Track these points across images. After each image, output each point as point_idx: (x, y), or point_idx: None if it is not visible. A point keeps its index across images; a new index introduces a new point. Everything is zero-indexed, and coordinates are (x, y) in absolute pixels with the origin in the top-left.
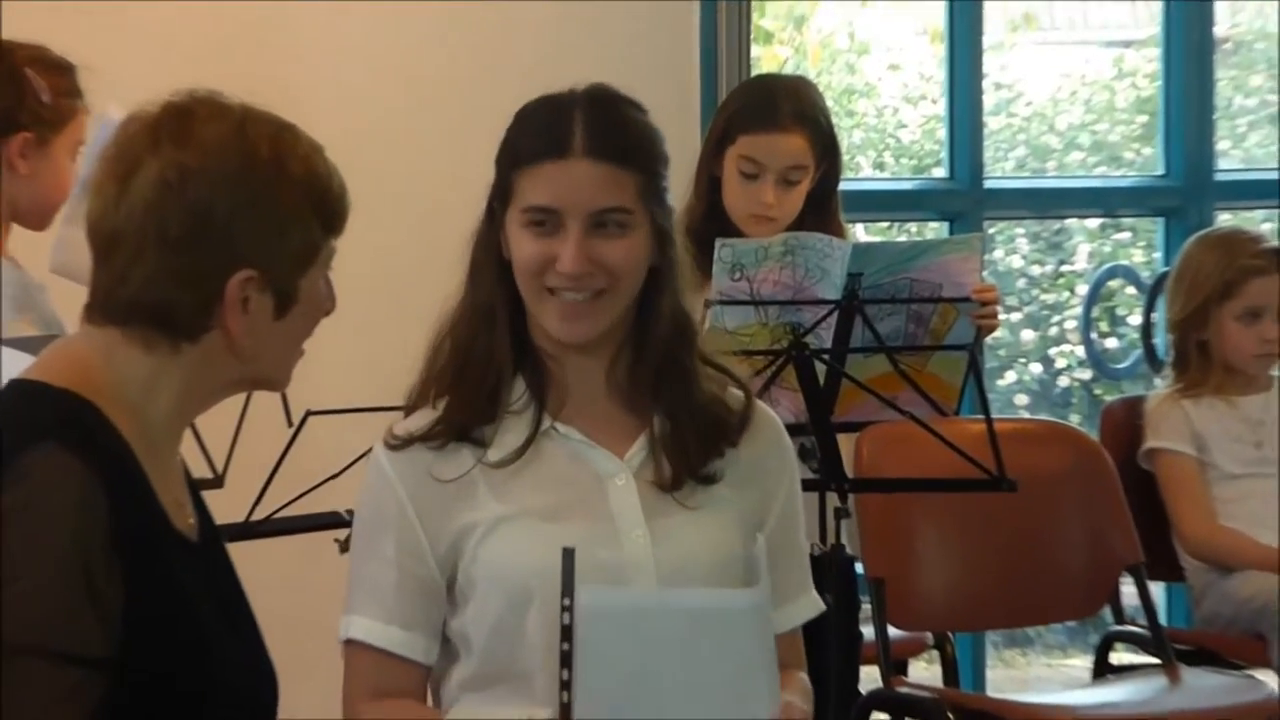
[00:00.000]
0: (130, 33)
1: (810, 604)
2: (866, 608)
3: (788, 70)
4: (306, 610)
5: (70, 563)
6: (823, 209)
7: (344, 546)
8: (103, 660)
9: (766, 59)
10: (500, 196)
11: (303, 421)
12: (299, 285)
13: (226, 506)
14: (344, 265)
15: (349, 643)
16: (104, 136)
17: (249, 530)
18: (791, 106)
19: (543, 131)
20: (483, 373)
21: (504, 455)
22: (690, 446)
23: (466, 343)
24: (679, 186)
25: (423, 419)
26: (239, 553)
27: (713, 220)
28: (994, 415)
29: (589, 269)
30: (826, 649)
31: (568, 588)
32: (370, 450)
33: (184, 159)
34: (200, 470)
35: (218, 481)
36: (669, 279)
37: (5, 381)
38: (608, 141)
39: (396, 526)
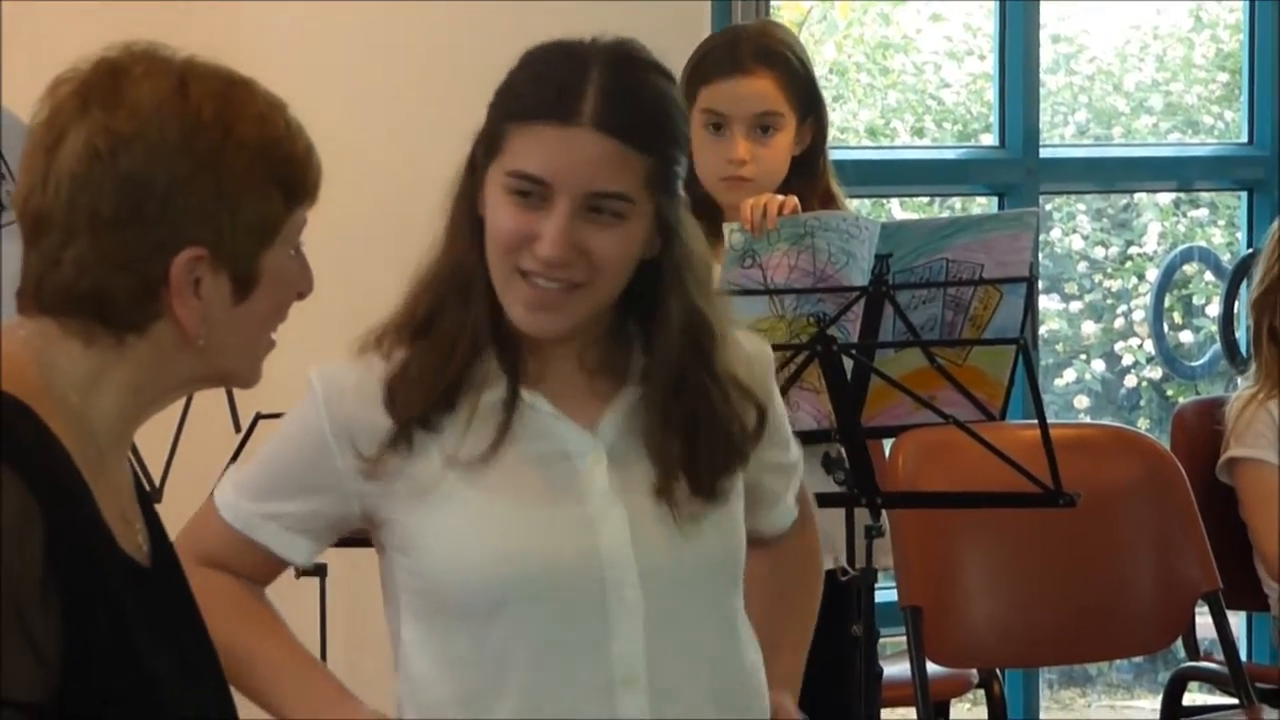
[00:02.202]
0: (133, 34)
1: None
2: (893, 640)
3: (812, 21)
4: None
5: (1, 593)
6: (809, 173)
7: (299, 570)
8: (37, 705)
9: (789, 9)
10: (487, 146)
11: (253, 425)
12: (260, 263)
13: (165, 524)
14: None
15: (216, 506)
16: None
17: None
18: (753, 45)
19: (549, 85)
20: (450, 352)
21: (478, 452)
22: (703, 468)
23: (436, 310)
24: None
25: (357, 375)
26: None
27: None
28: (1050, 419)
29: (570, 257)
30: (853, 685)
31: None
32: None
33: (114, 124)
34: None
35: (155, 495)
36: (676, 277)
37: None
38: (621, 114)
39: (313, 444)
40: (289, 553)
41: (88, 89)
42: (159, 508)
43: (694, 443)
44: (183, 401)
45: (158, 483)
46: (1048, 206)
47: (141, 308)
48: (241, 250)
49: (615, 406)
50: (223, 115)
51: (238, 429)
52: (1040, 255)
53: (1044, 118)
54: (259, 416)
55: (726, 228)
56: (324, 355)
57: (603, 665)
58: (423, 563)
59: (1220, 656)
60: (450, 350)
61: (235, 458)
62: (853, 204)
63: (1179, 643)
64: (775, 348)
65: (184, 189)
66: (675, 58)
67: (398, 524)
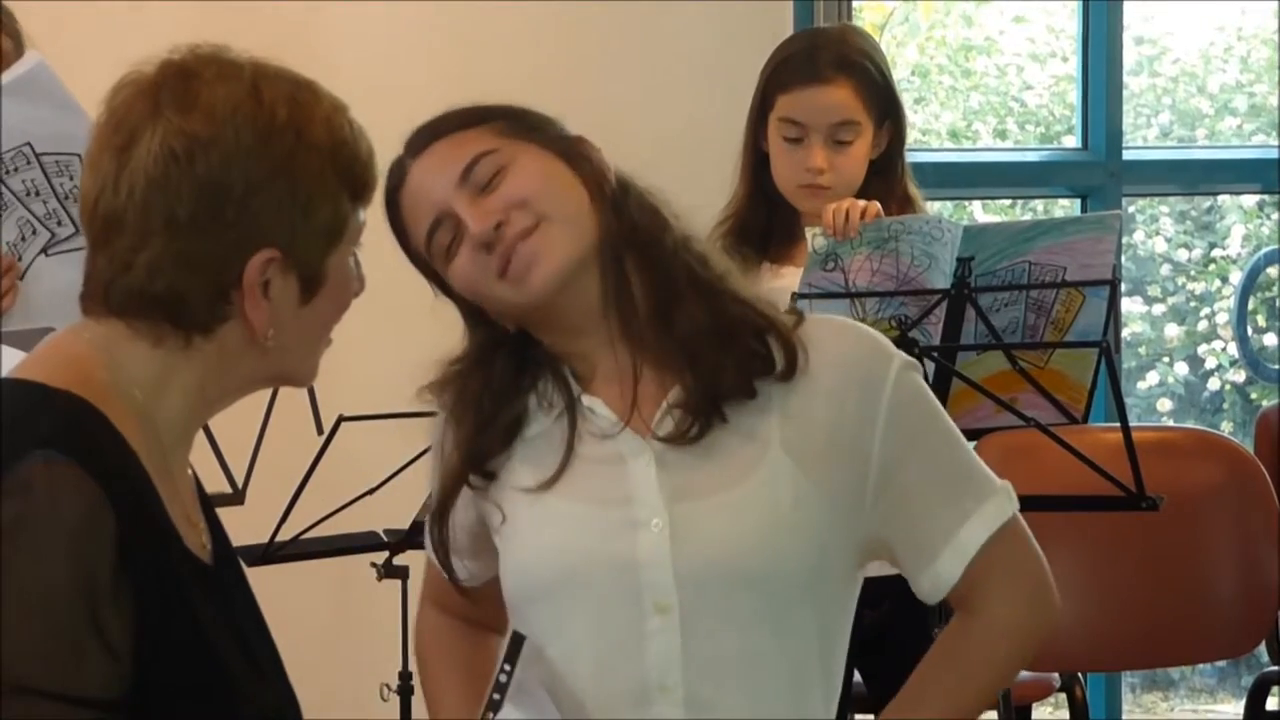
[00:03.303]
0: (141, 34)
1: (981, 524)
2: None
3: (894, 23)
4: (339, 644)
5: (73, 590)
6: (887, 177)
7: (381, 572)
8: (110, 701)
9: (871, 11)
10: (422, 266)
11: (335, 428)
12: (326, 265)
13: (248, 526)
14: (381, 256)
15: None
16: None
17: (273, 553)
18: (832, 54)
19: (396, 168)
20: (487, 424)
21: (545, 477)
22: (704, 382)
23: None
24: None
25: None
26: (261, 578)
27: (758, 201)
28: (1133, 422)
29: (498, 218)
30: None
31: (510, 659)
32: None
33: (190, 128)
34: (218, 485)
35: (238, 497)
36: (601, 195)
37: None
38: (430, 130)
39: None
40: (459, 574)
41: (157, 91)
42: (242, 510)
43: (694, 349)
44: (266, 404)
45: (241, 485)
46: (1130, 209)
47: (213, 309)
48: (311, 252)
49: (663, 407)
50: (295, 118)
51: (320, 431)
52: (1123, 258)
53: (1127, 120)
54: (341, 419)
55: (809, 231)
56: (401, 357)
57: (637, 670)
58: (501, 561)
59: None
60: (493, 409)
61: (317, 460)
62: (934, 206)
63: (1262, 646)
64: None
65: (260, 192)
66: (757, 59)
67: (493, 528)
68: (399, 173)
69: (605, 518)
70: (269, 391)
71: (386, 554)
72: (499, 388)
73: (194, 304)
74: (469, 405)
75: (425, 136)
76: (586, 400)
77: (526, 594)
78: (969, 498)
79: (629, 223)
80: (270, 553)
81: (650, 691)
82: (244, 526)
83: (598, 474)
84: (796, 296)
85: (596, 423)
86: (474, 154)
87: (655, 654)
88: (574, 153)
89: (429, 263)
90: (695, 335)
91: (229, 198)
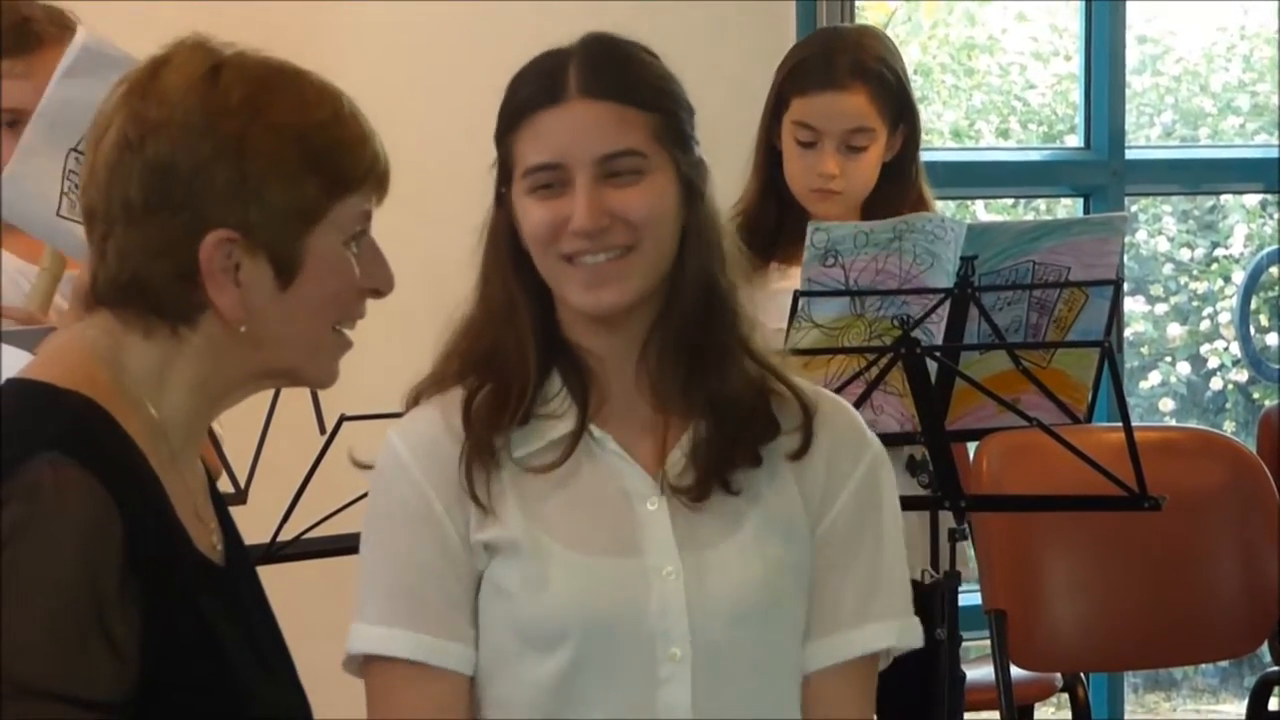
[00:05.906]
0: (157, 28)
1: (874, 636)
2: (977, 644)
3: (897, 22)
4: (340, 644)
5: (80, 592)
6: (900, 179)
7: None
8: (117, 704)
9: (873, 10)
10: (504, 173)
11: (337, 427)
12: (301, 248)
13: (250, 525)
14: (387, 255)
15: (366, 661)
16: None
17: (275, 553)
18: (849, 60)
19: (534, 81)
20: (509, 378)
21: (544, 461)
22: (716, 448)
23: (486, 345)
24: None
25: (436, 420)
26: (263, 577)
27: (769, 198)
28: (1135, 422)
29: (605, 222)
30: (936, 688)
31: None
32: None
33: (145, 113)
34: (221, 484)
35: (240, 497)
36: (698, 241)
37: (2, 380)
38: (608, 78)
39: (423, 521)
40: (465, 666)
41: (130, 82)
42: (244, 509)
43: (709, 419)
44: (268, 405)
45: (243, 484)
46: (1133, 208)
47: (184, 296)
48: (278, 234)
49: (676, 452)
50: (253, 100)
51: (322, 431)
52: (1125, 257)
53: (1130, 119)
54: (343, 418)
55: (810, 225)
56: (404, 357)
57: (649, 718)
58: (486, 600)
59: None
60: (510, 375)
61: (319, 459)
62: (937, 206)
63: (1265, 647)
64: (860, 350)
65: (206, 171)
66: (760, 58)
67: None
68: (556, 88)
69: (621, 566)
70: (271, 390)
71: None
72: (526, 359)
73: (162, 290)
74: (504, 370)
75: (599, 83)
76: (595, 431)
77: (541, 643)
78: (880, 601)
79: (696, 271)
80: (272, 552)
81: None
82: (246, 526)
83: (604, 514)
84: (799, 294)
85: (603, 456)
86: (626, 148)
87: (666, 702)
88: (694, 191)
89: (508, 159)
90: (728, 401)
91: (176, 179)
